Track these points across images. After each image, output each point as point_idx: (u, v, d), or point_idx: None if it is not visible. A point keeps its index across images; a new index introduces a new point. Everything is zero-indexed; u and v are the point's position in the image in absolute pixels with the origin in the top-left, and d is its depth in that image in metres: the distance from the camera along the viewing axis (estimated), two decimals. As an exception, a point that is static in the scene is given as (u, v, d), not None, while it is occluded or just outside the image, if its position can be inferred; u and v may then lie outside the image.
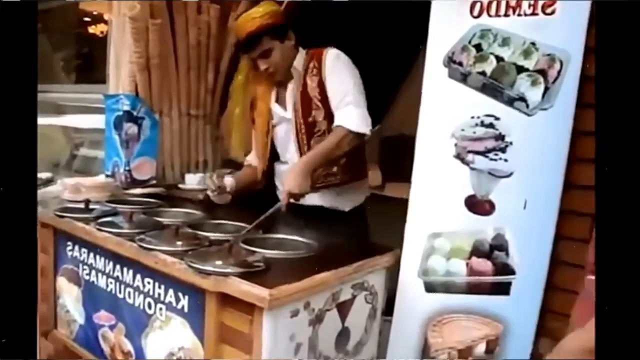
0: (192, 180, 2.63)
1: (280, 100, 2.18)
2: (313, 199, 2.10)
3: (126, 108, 2.48)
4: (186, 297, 1.51)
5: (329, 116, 2.03)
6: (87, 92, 3.31)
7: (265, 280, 1.34)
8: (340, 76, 2.01)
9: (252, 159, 2.35)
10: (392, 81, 3.78)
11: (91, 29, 3.95)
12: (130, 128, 2.50)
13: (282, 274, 1.43)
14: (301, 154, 2.08)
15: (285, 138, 2.19)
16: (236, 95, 2.23)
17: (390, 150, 3.66)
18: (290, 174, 1.94)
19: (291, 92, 2.12)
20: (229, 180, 2.25)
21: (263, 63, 2.05)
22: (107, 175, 2.63)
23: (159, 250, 1.57)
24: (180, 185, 2.64)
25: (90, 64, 3.59)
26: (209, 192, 2.23)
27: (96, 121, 3.00)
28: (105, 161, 2.67)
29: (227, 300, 1.39)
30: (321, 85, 2.02)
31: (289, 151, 2.18)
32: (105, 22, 3.32)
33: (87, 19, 3.93)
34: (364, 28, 2.98)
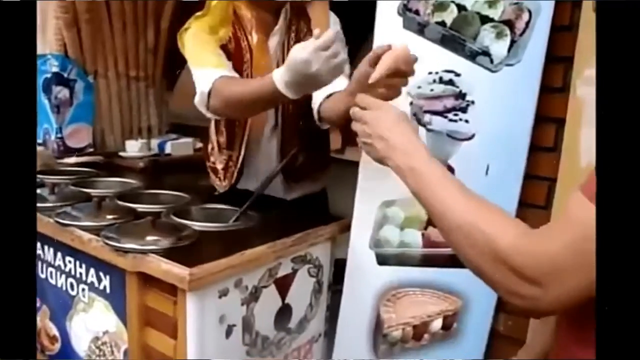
0: (134, 147, 2.44)
1: None
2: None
3: (55, 69, 2.26)
4: (107, 277, 1.34)
5: None
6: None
7: (189, 258, 1.18)
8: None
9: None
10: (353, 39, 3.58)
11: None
12: (61, 91, 2.28)
13: (210, 250, 1.27)
14: (282, 120, 1.72)
15: None
16: None
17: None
18: None
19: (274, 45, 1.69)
20: None
21: None
22: (38, 144, 2.40)
23: (76, 226, 1.39)
24: (121, 153, 2.44)
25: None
26: None
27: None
28: (35, 128, 2.44)
29: (149, 280, 1.23)
30: None
31: None
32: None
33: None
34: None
